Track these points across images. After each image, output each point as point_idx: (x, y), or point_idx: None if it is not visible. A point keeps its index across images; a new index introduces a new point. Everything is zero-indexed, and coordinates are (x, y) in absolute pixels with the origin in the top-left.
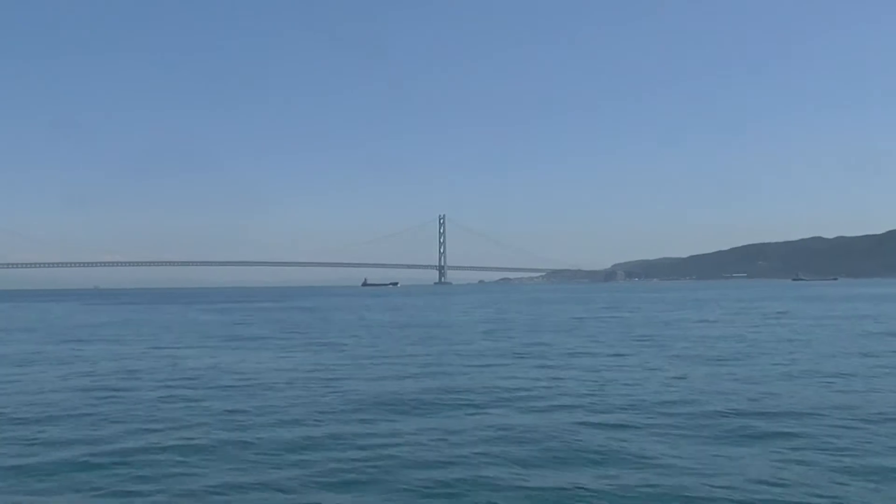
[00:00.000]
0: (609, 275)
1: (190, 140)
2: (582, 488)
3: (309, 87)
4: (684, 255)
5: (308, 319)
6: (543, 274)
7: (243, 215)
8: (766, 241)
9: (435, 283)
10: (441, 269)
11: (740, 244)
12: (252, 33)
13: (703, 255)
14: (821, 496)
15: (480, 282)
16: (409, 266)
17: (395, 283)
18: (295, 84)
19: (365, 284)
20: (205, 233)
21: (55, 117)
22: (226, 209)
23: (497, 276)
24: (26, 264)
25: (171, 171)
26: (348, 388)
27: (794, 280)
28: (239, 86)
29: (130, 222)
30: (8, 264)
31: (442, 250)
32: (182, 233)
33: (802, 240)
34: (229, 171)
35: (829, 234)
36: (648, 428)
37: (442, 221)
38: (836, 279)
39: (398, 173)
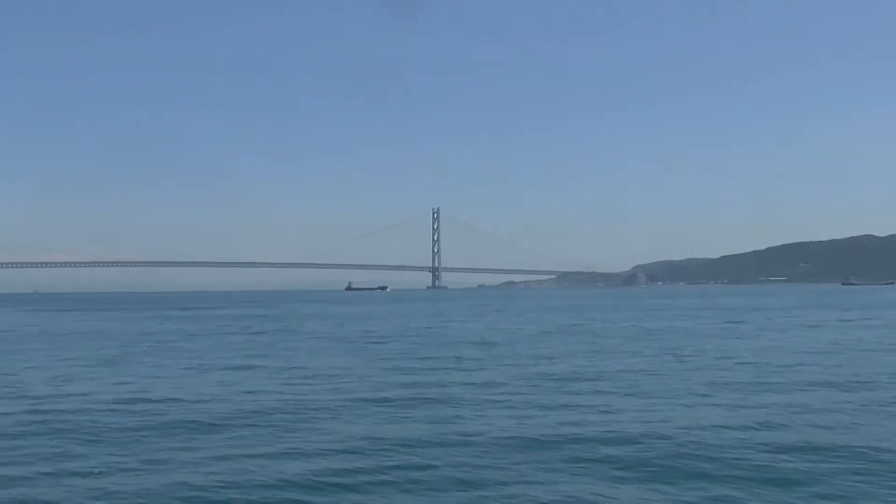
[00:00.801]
0: (629, 278)
1: (154, 123)
2: None
3: (287, 70)
4: (715, 255)
5: (253, 331)
6: (553, 277)
7: (216, 210)
8: (809, 239)
9: (428, 287)
10: (435, 270)
11: (779, 243)
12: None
13: (737, 255)
14: None
15: (481, 286)
16: (397, 268)
17: (384, 287)
18: (273, 68)
19: (349, 289)
20: (170, 229)
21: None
22: (196, 203)
23: (500, 278)
24: None
25: (132, 160)
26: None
27: (843, 284)
28: (208, 68)
29: (83, 217)
30: None
31: (436, 249)
32: (144, 229)
33: (851, 238)
34: (200, 160)
35: (882, 232)
36: None
37: (436, 216)
38: (892, 283)
39: (388, 158)
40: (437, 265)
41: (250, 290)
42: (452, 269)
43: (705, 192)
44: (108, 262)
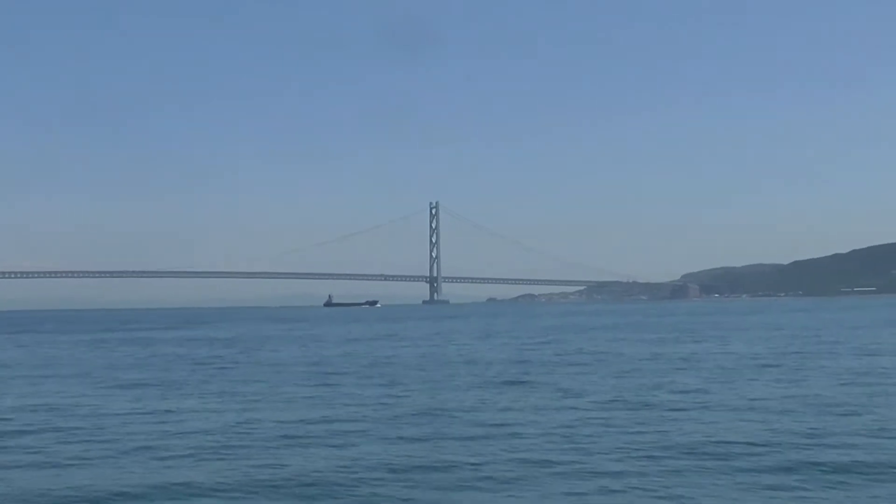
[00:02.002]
0: (677, 289)
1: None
2: None
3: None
4: (784, 260)
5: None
6: (582, 288)
7: (179, 207)
8: None
9: (424, 302)
10: (433, 281)
11: (864, 245)
12: None
13: (812, 260)
14: None
15: (491, 299)
16: (386, 278)
17: (374, 302)
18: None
19: (330, 304)
20: (113, 233)
21: None
22: (157, 200)
23: (515, 290)
24: None
25: (87, 142)
26: None
27: None
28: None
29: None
30: None
31: (434, 254)
32: (78, 234)
33: None
34: (160, 150)
35: None
36: None
37: (434, 212)
38: None
39: (379, 144)
40: (435, 274)
41: (203, 308)
42: (455, 279)
43: (771, 181)
44: (31, 273)
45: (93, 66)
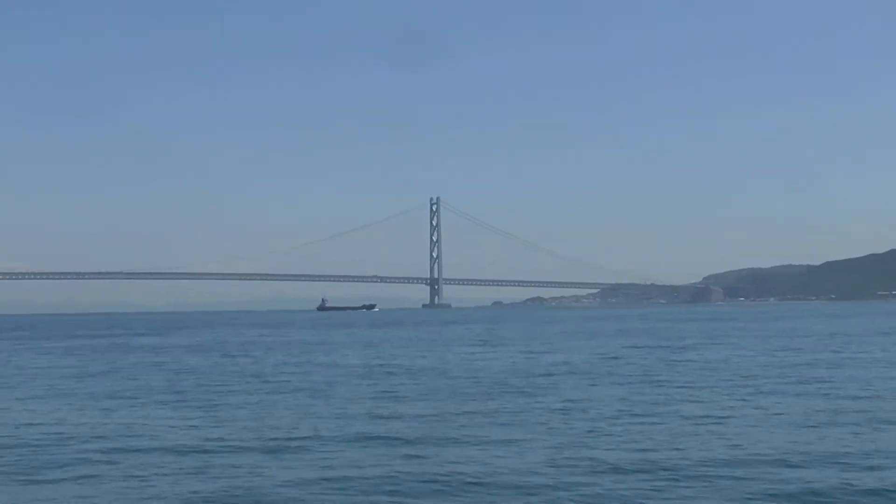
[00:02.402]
0: (699, 293)
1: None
2: None
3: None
4: (815, 260)
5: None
6: (596, 291)
7: (158, 204)
8: None
9: (424, 306)
10: (434, 283)
11: None
12: None
13: (846, 261)
14: None
15: (496, 303)
16: (382, 279)
17: (372, 306)
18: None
19: (323, 308)
20: (81, 231)
21: None
22: (139, 195)
23: (523, 293)
24: None
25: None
26: None
27: None
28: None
29: None
30: None
31: (435, 254)
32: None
33: None
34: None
35: None
36: None
37: (435, 208)
38: None
39: (376, 139)
40: (436, 275)
41: (180, 313)
42: (457, 281)
43: (801, 171)
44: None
45: (88, 59)
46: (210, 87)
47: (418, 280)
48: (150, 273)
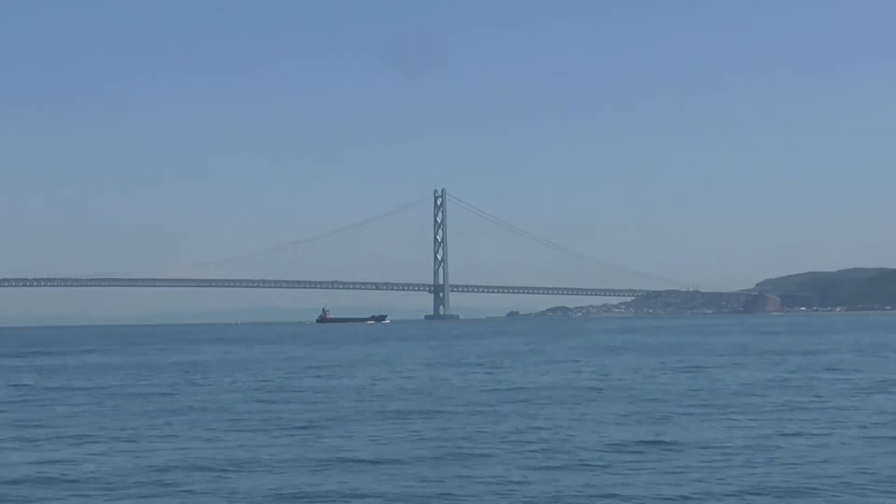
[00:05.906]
0: (752, 301)
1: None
2: None
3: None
4: (890, 264)
5: None
6: (629, 300)
7: (133, 203)
8: None
9: (427, 317)
10: (439, 290)
11: None
12: None
13: None
14: None
15: (512, 313)
16: (377, 286)
17: (383, 317)
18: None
19: (323, 320)
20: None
21: None
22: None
23: (544, 302)
24: None
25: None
26: None
27: None
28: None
29: None
30: None
31: (440, 256)
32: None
33: None
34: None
35: None
36: None
37: (440, 202)
38: None
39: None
40: (441, 281)
41: (151, 325)
42: (465, 288)
43: (872, 163)
44: None
45: (85, 55)
46: (202, 83)
47: (420, 287)
48: (104, 280)
